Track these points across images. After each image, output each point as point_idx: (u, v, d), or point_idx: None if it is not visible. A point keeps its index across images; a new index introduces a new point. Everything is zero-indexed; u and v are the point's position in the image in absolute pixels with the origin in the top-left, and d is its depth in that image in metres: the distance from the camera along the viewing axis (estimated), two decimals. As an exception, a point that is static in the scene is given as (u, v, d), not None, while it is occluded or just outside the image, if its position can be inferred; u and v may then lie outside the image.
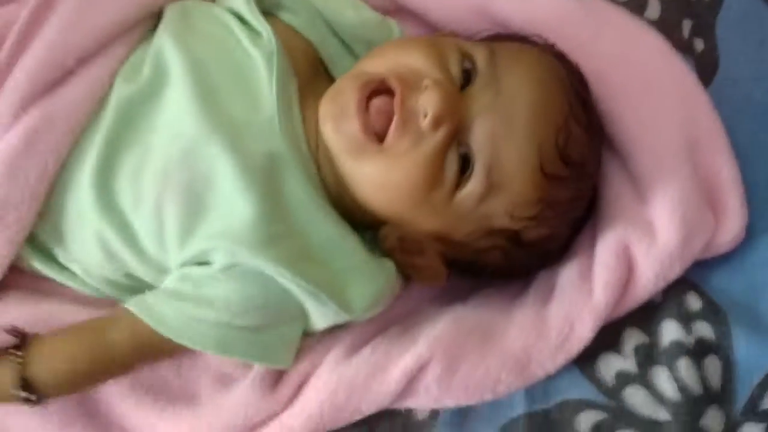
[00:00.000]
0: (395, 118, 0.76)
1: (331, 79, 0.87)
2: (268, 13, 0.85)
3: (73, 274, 0.83)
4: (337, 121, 0.78)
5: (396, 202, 0.78)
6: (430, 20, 0.94)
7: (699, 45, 0.95)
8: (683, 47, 0.92)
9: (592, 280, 0.82)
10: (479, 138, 0.76)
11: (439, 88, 0.75)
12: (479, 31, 0.90)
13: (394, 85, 0.76)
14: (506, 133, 0.76)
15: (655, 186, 0.83)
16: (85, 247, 0.80)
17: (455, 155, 0.76)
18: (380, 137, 0.77)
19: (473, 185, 0.77)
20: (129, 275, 0.82)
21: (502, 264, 0.83)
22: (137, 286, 0.83)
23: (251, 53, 0.82)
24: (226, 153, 0.77)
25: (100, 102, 0.80)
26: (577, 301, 0.81)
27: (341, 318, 0.79)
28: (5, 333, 0.79)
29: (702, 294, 0.84)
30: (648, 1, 0.95)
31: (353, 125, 0.77)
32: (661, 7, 0.94)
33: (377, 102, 0.77)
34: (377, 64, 0.79)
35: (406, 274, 0.83)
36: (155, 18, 0.86)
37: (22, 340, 0.79)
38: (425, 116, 0.75)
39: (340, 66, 0.88)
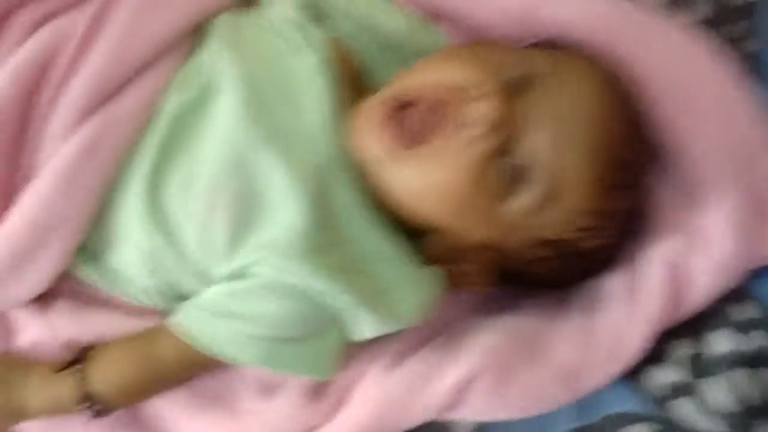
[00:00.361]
0: (439, 125, 0.74)
1: (373, 89, 0.86)
2: (315, 21, 0.85)
3: (121, 283, 0.84)
4: (367, 133, 0.77)
5: (440, 211, 0.77)
6: (471, 26, 0.92)
7: (752, 46, 0.92)
8: (733, 49, 0.89)
9: (641, 289, 0.80)
10: (535, 147, 0.75)
11: (492, 96, 0.74)
12: (522, 37, 0.89)
13: (438, 94, 0.75)
14: (565, 143, 0.75)
15: (709, 194, 0.81)
16: (135, 256, 0.81)
17: (506, 164, 0.75)
18: (418, 147, 0.76)
19: (528, 196, 0.76)
20: (177, 286, 0.82)
21: (551, 274, 0.82)
22: (181, 296, 0.83)
23: (302, 62, 0.82)
24: (278, 162, 0.77)
25: (155, 111, 0.81)
26: (625, 312, 0.80)
27: (388, 328, 0.79)
28: (65, 347, 0.81)
29: (757, 302, 0.82)
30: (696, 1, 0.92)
31: (382, 135, 0.76)
32: (710, 7, 0.92)
33: (415, 110, 0.76)
34: (418, 76, 0.79)
35: (450, 281, 0.83)
36: (203, 28, 0.86)
37: (80, 354, 0.81)
38: (476, 124, 0.74)
39: (383, 75, 0.87)
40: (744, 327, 0.80)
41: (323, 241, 0.77)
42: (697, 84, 0.84)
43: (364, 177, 0.79)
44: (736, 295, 0.81)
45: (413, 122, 0.75)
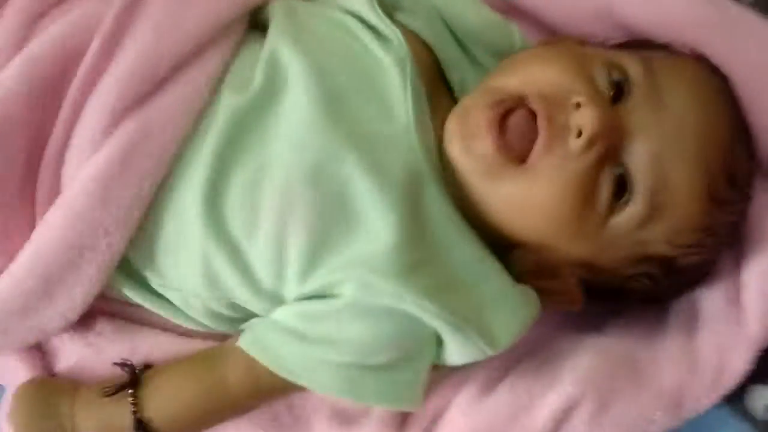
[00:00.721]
0: (541, 136, 0.69)
1: (447, 86, 0.80)
2: (387, 12, 0.77)
3: (168, 303, 0.76)
4: (466, 141, 0.71)
5: (540, 225, 0.71)
6: (545, 21, 0.87)
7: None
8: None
9: (744, 307, 0.76)
10: (640, 158, 0.70)
11: (595, 104, 0.68)
12: (601, 35, 0.83)
13: (537, 104, 0.69)
14: (672, 154, 0.70)
15: None
16: (186, 273, 0.73)
17: (610, 176, 0.70)
18: (519, 157, 0.69)
19: (633, 209, 0.70)
20: (234, 305, 0.74)
21: (645, 290, 0.76)
22: (242, 318, 0.75)
23: (381, 58, 0.74)
24: (363, 168, 0.69)
25: (201, 113, 0.71)
26: (728, 331, 0.76)
27: (484, 353, 0.72)
28: (117, 368, 0.75)
29: None
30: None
31: (485, 144, 0.70)
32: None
33: (515, 119, 0.70)
34: (512, 81, 0.72)
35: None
36: (253, 19, 0.78)
37: (134, 377, 0.74)
38: (578, 135, 0.68)
39: (458, 71, 0.80)
40: None
41: (417, 257, 0.70)
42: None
43: (455, 185, 0.73)
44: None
45: (516, 132, 0.69)
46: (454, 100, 0.79)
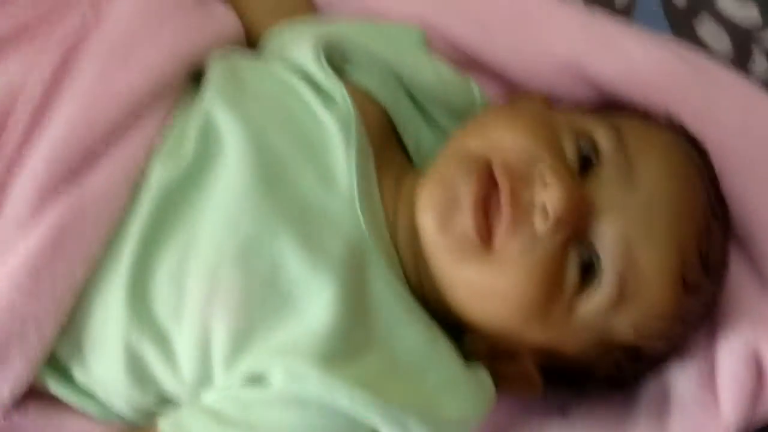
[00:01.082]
0: (504, 216, 0.63)
1: (402, 147, 0.74)
2: (337, 71, 0.71)
3: (93, 399, 0.69)
4: (445, 215, 0.64)
5: (503, 314, 0.65)
6: (507, 76, 0.81)
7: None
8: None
9: (718, 391, 0.71)
10: (609, 239, 0.64)
11: (561, 181, 0.62)
12: (566, 91, 0.79)
13: (501, 176, 0.63)
14: (644, 236, 0.64)
15: None
16: (110, 365, 0.66)
17: (577, 259, 0.64)
18: (488, 240, 0.64)
19: (601, 296, 0.64)
20: (161, 398, 0.68)
21: (611, 376, 0.70)
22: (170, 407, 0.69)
23: (323, 120, 0.68)
24: (297, 246, 0.63)
25: (136, 186, 0.65)
26: (702, 417, 0.70)
27: None
28: None
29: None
30: (753, 57, 0.84)
31: (465, 222, 0.63)
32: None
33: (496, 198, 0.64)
34: (478, 143, 0.66)
35: (494, 383, 0.70)
36: (192, 79, 0.71)
37: None
38: (543, 214, 0.62)
39: (413, 131, 0.75)
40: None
41: (355, 342, 0.63)
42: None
43: (410, 258, 0.67)
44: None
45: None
46: (410, 161, 0.74)
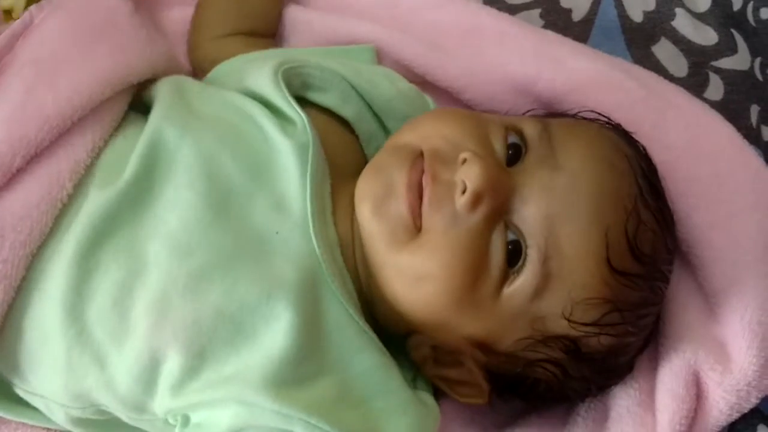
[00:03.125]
0: (426, 192, 0.65)
1: (366, 161, 0.75)
2: (297, 95, 0.72)
3: (34, 410, 0.69)
4: (381, 202, 0.66)
5: (434, 300, 0.65)
6: (463, 100, 0.83)
7: (768, 134, 0.84)
8: (751, 137, 0.81)
9: (656, 409, 0.71)
10: (533, 220, 0.64)
11: (479, 159, 0.64)
12: (520, 113, 0.80)
13: (426, 159, 0.65)
14: (567, 216, 0.64)
15: (730, 302, 0.72)
16: (50, 381, 0.66)
17: (502, 240, 0.64)
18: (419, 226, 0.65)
19: (526, 276, 0.64)
20: (101, 411, 0.68)
21: (555, 381, 0.69)
22: (112, 421, 0.69)
23: (278, 145, 0.68)
24: (249, 273, 0.63)
25: (64, 208, 0.65)
26: (637, 432, 0.70)
27: None
28: None
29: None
30: (709, 80, 0.84)
31: (399, 206, 0.65)
32: (724, 88, 0.84)
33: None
34: (411, 136, 0.69)
35: (443, 389, 0.71)
36: (131, 98, 0.72)
37: None
38: (462, 192, 0.63)
39: (374, 145, 0.76)
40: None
41: (306, 369, 0.63)
42: (718, 172, 0.76)
43: (361, 277, 0.68)
44: (754, 416, 0.73)
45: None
46: None
